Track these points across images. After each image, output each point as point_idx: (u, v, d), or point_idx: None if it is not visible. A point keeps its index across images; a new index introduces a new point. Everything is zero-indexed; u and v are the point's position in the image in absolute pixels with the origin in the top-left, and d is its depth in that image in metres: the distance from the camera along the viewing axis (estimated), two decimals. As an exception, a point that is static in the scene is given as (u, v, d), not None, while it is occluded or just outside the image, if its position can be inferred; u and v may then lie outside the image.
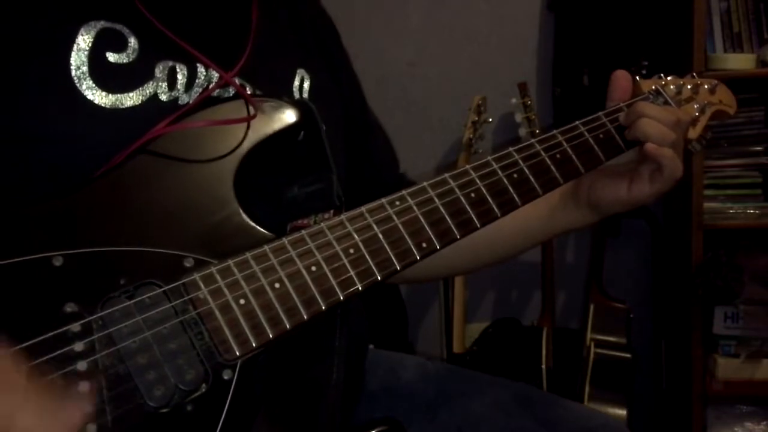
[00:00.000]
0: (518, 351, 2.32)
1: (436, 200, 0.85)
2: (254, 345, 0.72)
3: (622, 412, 2.12)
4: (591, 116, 1.00)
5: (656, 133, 0.96)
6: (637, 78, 1.08)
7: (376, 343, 1.28)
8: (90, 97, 0.81)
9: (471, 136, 2.26)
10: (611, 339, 2.25)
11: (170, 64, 0.86)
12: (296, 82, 0.99)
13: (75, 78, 0.81)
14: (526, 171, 0.91)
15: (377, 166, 1.15)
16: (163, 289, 0.72)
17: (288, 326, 0.74)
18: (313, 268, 0.76)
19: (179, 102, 0.86)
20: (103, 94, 0.81)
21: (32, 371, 0.64)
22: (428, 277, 1.21)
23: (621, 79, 1.05)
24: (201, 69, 0.88)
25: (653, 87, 1.07)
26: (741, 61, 2.24)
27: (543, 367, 2.22)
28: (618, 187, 1.00)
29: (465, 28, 2.59)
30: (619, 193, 1.00)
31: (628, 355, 2.21)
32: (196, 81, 0.88)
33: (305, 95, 1.00)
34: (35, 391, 0.62)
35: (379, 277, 0.79)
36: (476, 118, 2.26)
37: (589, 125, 0.99)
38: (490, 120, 2.29)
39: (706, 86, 1.10)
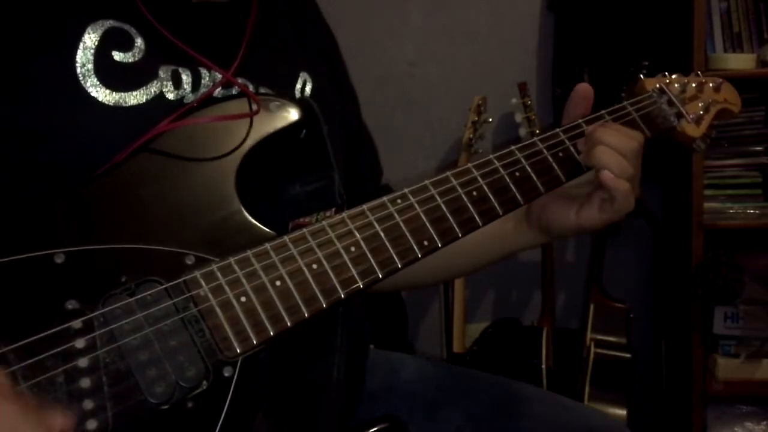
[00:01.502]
0: (518, 351, 2.32)
1: (438, 198, 0.85)
2: (255, 342, 0.72)
3: (622, 412, 2.12)
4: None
5: (613, 163, 0.91)
6: (641, 76, 1.08)
7: (376, 343, 1.28)
8: (94, 94, 0.81)
9: (471, 136, 2.25)
10: (611, 339, 2.25)
11: (173, 67, 0.87)
12: (299, 85, 1.00)
13: (80, 76, 0.81)
14: (528, 169, 0.91)
15: (359, 180, 1.15)
16: (164, 286, 0.72)
17: (289, 324, 0.74)
18: (315, 266, 0.76)
19: (185, 101, 0.86)
20: (107, 91, 0.82)
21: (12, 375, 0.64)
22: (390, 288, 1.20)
23: (580, 93, 1.01)
24: (204, 71, 0.89)
25: (657, 85, 1.07)
26: (741, 61, 2.24)
27: (543, 367, 2.22)
28: (567, 212, 0.97)
29: (465, 28, 2.59)
30: (568, 218, 0.97)
31: (628, 355, 2.21)
32: (202, 82, 0.88)
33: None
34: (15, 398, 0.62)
35: (380, 275, 0.79)
36: (476, 118, 2.26)
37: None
38: (490, 120, 2.29)
39: (710, 84, 1.10)
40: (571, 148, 0.95)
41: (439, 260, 0.88)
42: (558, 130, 0.96)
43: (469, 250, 1.05)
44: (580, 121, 0.98)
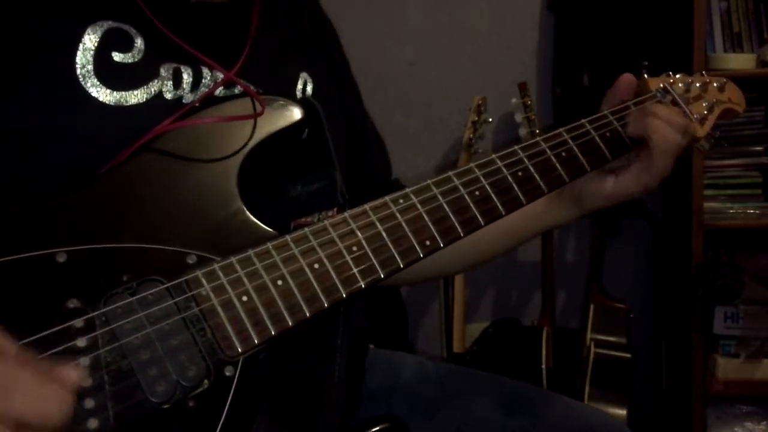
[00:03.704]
0: (518, 351, 2.32)
1: (440, 198, 0.84)
2: (256, 342, 0.72)
3: (622, 412, 2.12)
4: (596, 114, 1.00)
5: (667, 133, 0.97)
6: (645, 76, 1.08)
7: (376, 343, 1.28)
8: (94, 94, 0.81)
9: (471, 136, 2.25)
10: (611, 339, 2.25)
11: (174, 65, 0.87)
12: (299, 85, 0.99)
13: (80, 76, 0.81)
14: (531, 169, 0.91)
15: (369, 174, 1.15)
16: (165, 285, 0.72)
17: (290, 323, 0.74)
18: (316, 266, 0.76)
19: (183, 101, 0.86)
20: (108, 91, 0.82)
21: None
22: (418, 279, 1.21)
23: (626, 80, 1.05)
24: (206, 70, 0.89)
25: (661, 85, 1.07)
26: (741, 61, 2.25)
27: (543, 367, 2.22)
28: (603, 181, 1.01)
29: (465, 28, 2.59)
30: (604, 186, 1.01)
31: (628, 355, 2.21)
32: (202, 82, 0.88)
33: None
34: (25, 361, 0.62)
35: (382, 275, 0.79)
36: (476, 118, 2.26)
37: (596, 123, 0.99)
38: (490, 120, 2.29)
39: (714, 84, 1.10)
40: (575, 149, 0.95)
41: (468, 245, 0.89)
42: (561, 129, 0.97)
43: (500, 233, 1.07)
44: (583, 121, 0.98)
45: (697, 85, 1.08)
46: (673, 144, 0.97)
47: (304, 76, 1.00)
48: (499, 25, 2.58)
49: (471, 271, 2.31)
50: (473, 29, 2.59)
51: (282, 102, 0.85)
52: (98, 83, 0.81)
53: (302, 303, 0.75)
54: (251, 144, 0.82)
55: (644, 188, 0.99)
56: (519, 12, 2.56)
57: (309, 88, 1.00)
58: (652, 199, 2.50)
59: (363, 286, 0.78)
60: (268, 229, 0.79)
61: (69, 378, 0.61)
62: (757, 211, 2.30)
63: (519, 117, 2.25)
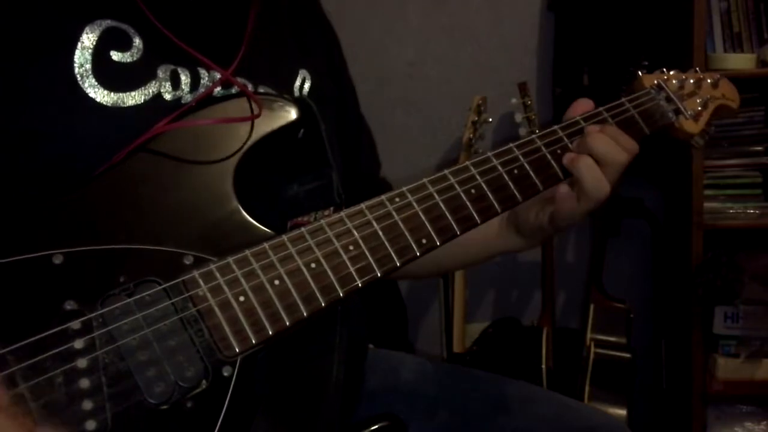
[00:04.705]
0: (518, 351, 2.32)
1: (436, 196, 0.84)
2: (254, 342, 0.72)
3: (622, 412, 2.12)
4: (593, 111, 0.99)
5: (590, 179, 0.91)
6: (640, 73, 1.08)
7: (376, 343, 1.28)
8: (92, 95, 0.81)
9: (471, 136, 2.25)
10: (611, 339, 2.25)
11: (172, 67, 0.87)
12: (297, 83, 0.99)
13: (78, 76, 0.81)
14: (527, 167, 0.91)
15: (362, 172, 1.15)
16: (162, 286, 0.72)
17: (288, 323, 0.74)
18: (313, 265, 0.76)
19: (182, 102, 0.86)
20: (105, 92, 0.82)
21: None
22: (418, 274, 1.21)
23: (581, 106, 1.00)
24: (203, 71, 0.89)
25: (655, 82, 1.07)
26: (741, 61, 2.24)
27: (543, 367, 2.22)
28: (539, 208, 0.97)
29: (465, 28, 2.59)
30: (539, 215, 0.97)
31: (628, 355, 2.21)
32: (201, 82, 0.88)
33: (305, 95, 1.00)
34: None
35: (379, 274, 0.79)
36: (476, 118, 2.26)
37: (591, 120, 0.98)
38: (490, 120, 2.29)
39: (708, 81, 1.10)
40: (570, 146, 0.95)
41: (429, 257, 0.87)
42: (556, 127, 0.96)
43: (456, 251, 1.02)
44: (579, 118, 0.98)
45: (691, 81, 1.08)
46: (600, 189, 0.91)
47: (302, 73, 1.00)
48: (499, 25, 2.58)
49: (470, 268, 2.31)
50: (473, 29, 2.59)
51: (278, 102, 0.85)
52: (96, 84, 0.81)
53: (300, 302, 0.75)
54: (247, 144, 0.82)
55: (585, 212, 0.94)
56: (519, 12, 2.56)
57: (307, 86, 1.00)
58: (652, 199, 2.50)
59: (360, 285, 0.78)
60: (265, 228, 0.79)
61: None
62: (757, 211, 2.30)
63: (519, 117, 2.25)
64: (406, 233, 0.81)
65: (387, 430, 1.01)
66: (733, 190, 2.31)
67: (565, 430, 1.07)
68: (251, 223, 0.79)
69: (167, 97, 0.86)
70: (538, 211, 0.98)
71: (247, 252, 0.75)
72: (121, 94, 0.83)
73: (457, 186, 0.86)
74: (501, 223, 1.04)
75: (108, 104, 0.82)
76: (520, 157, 0.91)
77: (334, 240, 0.78)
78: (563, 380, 2.22)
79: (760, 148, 2.32)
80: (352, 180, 1.06)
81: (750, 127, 2.32)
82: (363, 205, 0.81)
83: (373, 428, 1.01)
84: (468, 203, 0.86)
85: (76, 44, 0.82)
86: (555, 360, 2.24)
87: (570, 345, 2.31)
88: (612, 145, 0.94)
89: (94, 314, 0.69)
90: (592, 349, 2.21)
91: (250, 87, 0.91)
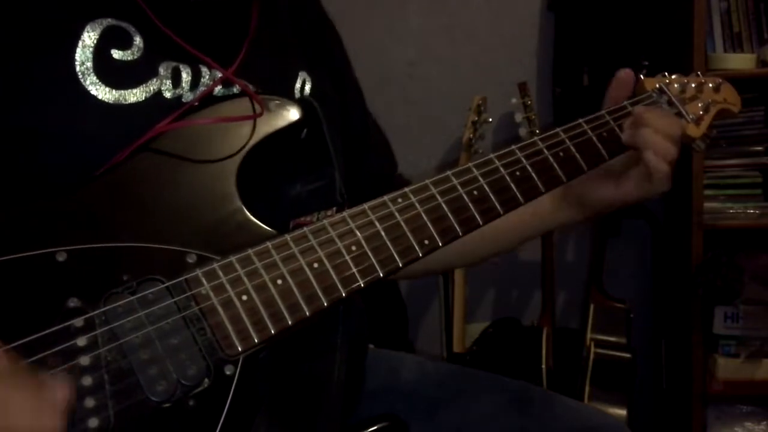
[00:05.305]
0: (518, 351, 2.32)
1: (438, 197, 0.84)
2: (256, 341, 0.72)
3: (622, 412, 2.12)
4: (594, 114, 1.00)
5: (659, 145, 0.97)
6: (641, 76, 1.08)
7: (376, 343, 1.28)
8: (93, 92, 0.81)
9: (471, 136, 2.26)
10: (611, 339, 2.25)
11: (174, 64, 0.87)
12: (298, 84, 0.99)
13: (79, 74, 0.81)
14: (529, 169, 0.91)
15: (371, 173, 1.15)
16: (165, 284, 0.72)
17: (290, 322, 0.74)
18: (315, 265, 0.76)
19: (183, 100, 0.86)
20: (107, 89, 0.82)
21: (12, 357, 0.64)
22: (422, 273, 1.21)
23: (622, 78, 1.05)
24: (204, 69, 0.89)
25: (657, 85, 1.07)
26: (741, 61, 2.25)
27: (543, 367, 2.22)
28: (604, 186, 1.02)
29: (465, 28, 2.59)
30: (605, 191, 1.02)
31: (628, 355, 2.21)
32: (201, 80, 0.88)
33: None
34: (18, 373, 0.62)
35: (381, 274, 0.79)
36: (476, 118, 2.26)
37: (593, 123, 0.99)
38: (490, 120, 2.29)
39: (710, 85, 1.10)
40: (572, 148, 0.96)
41: (470, 243, 0.89)
42: (558, 130, 0.97)
43: (502, 232, 1.07)
44: (580, 121, 0.98)
45: (693, 85, 1.08)
46: (669, 157, 0.97)
47: (302, 75, 1.00)
48: (499, 25, 2.58)
49: (479, 267, 2.31)
50: (473, 29, 2.59)
51: (280, 102, 0.85)
52: (97, 81, 0.81)
53: (302, 302, 0.75)
54: (250, 144, 0.82)
55: (646, 194, 1.00)
56: (519, 12, 2.56)
57: (307, 87, 1.00)
58: (652, 199, 2.50)
59: (362, 285, 0.78)
60: (268, 228, 0.79)
61: (61, 398, 0.62)
62: (757, 211, 2.30)
63: (519, 117, 2.25)
64: (409, 234, 0.81)
65: (387, 430, 1.02)
66: (733, 190, 2.31)
67: (565, 430, 1.07)
68: (254, 222, 0.79)
69: (167, 95, 0.86)
70: (603, 183, 1.02)
71: (250, 251, 0.75)
72: (122, 91, 0.83)
73: (459, 187, 0.86)
74: (553, 199, 1.06)
75: (110, 101, 0.82)
76: (523, 159, 0.92)
77: (337, 240, 0.78)
78: (563, 380, 2.23)
79: (760, 148, 2.32)
80: (361, 180, 1.06)
81: (750, 127, 2.32)
82: (365, 206, 0.81)
83: (373, 428, 1.01)
84: (470, 204, 0.86)
85: (77, 43, 0.82)
86: (555, 360, 2.25)
87: (570, 345, 2.31)
88: (667, 118, 0.99)
89: (96, 312, 0.69)
90: (592, 349, 2.21)
91: (250, 87, 0.91)
